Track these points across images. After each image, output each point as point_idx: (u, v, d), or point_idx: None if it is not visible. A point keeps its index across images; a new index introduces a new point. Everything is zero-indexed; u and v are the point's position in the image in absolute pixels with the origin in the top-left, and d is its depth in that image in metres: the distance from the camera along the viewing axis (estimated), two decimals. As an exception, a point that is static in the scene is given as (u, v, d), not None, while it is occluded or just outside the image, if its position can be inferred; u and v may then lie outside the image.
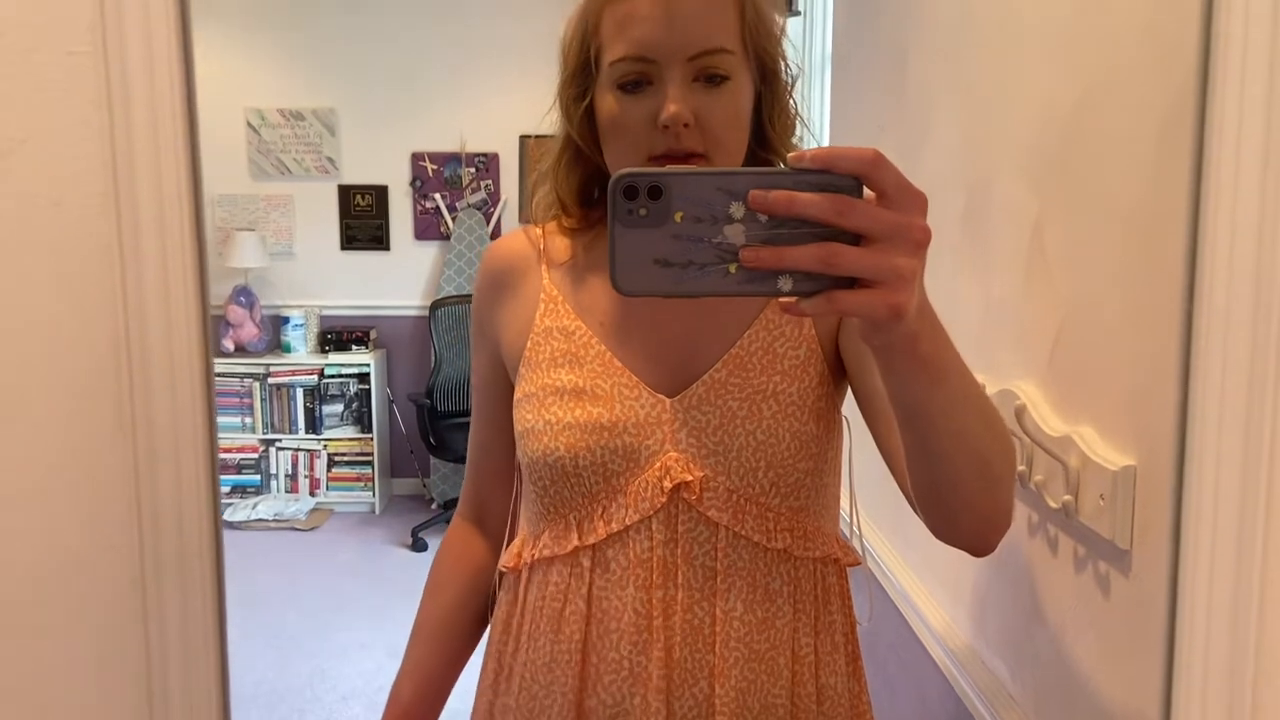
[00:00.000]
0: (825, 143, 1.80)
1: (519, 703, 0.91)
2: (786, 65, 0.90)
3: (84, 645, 0.59)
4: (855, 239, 0.55)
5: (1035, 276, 0.98)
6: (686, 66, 0.82)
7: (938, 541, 0.79)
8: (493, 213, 4.72)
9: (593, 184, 0.95)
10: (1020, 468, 0.96)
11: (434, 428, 4.16)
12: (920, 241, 0.56)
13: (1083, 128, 0.89)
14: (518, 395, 0.93)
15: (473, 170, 4.69)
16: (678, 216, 0.57)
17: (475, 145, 4.66)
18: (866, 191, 0.56)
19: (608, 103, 0.85)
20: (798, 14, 2.39)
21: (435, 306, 4.47)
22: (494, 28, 4.54)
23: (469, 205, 4.70)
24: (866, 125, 1.62)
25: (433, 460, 4.50)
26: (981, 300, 1.11)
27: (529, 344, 0.93)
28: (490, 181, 4.70)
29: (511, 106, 4.50)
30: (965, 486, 0.72)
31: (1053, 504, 0.90)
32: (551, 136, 0.95)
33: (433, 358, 4.44)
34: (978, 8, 1.15)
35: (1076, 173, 0.90)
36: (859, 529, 1.00)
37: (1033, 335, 0.98)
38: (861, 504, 1.01)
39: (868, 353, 0.71)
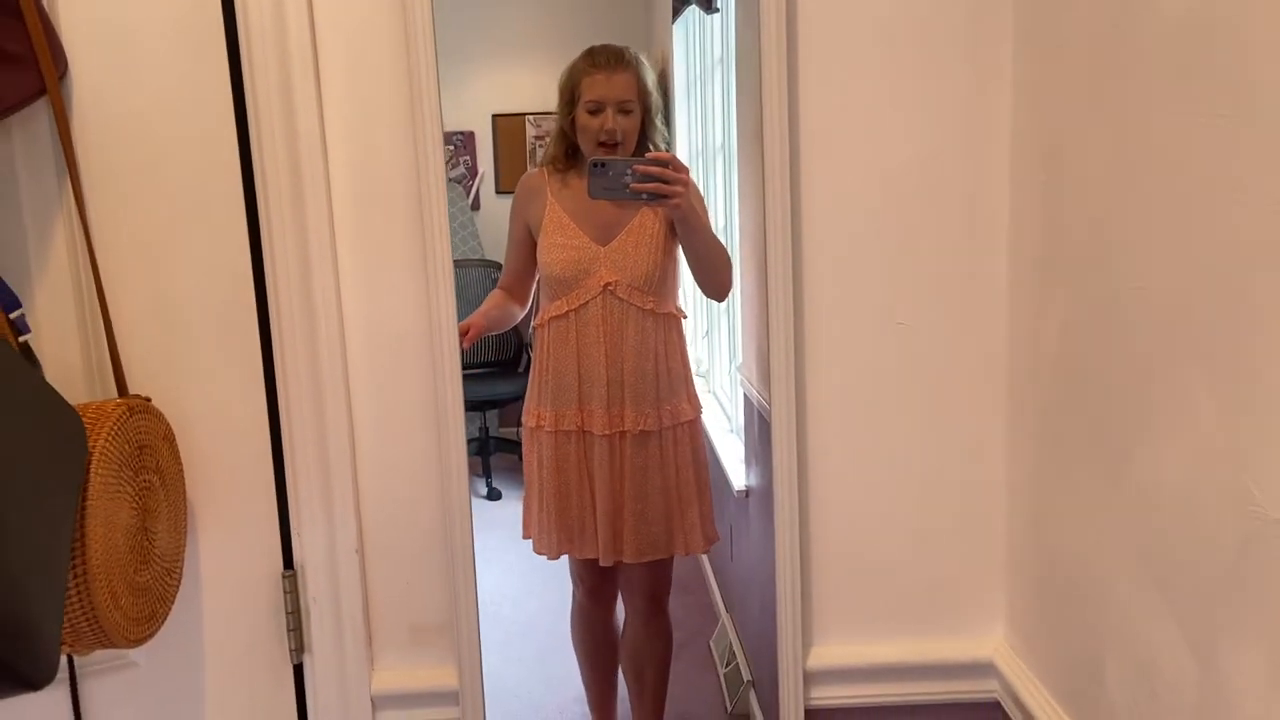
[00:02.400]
0: (731, 114, 2.38)
1: (555, 376, 2.24)
2: (654, 103, 2.21)
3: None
4: (666, 181, 1.90)
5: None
6: (615, 105, 2.16)
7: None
8: (472, 185, 5.20)
9: (569, 149, 2.26)
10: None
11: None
12: (685, 184, 1.96)
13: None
14: (540, 245, 2.24)
15: (451, 147, 5.16)
16: (610, 173, 1.89)
17: (453, 124, 5.13)
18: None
19: (583, 117, 2.19)
20: (716, 11, 2.90)
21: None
22: (466, 14, 4.99)
23: (450, 180, 5.14)
24: (754, 105, 2.16)
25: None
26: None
27: (544, 222, 2.24)
28: (469, 157, 5.18)
29: (484, 88, 4.96)
30: (713, 274, 2.18)
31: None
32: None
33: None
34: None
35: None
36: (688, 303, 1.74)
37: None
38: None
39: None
